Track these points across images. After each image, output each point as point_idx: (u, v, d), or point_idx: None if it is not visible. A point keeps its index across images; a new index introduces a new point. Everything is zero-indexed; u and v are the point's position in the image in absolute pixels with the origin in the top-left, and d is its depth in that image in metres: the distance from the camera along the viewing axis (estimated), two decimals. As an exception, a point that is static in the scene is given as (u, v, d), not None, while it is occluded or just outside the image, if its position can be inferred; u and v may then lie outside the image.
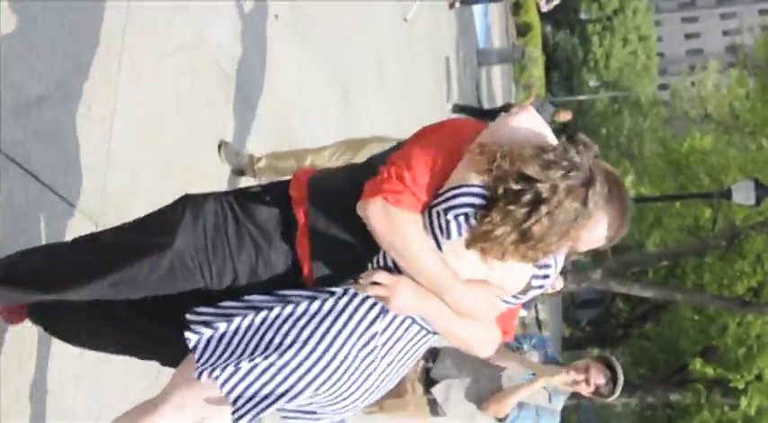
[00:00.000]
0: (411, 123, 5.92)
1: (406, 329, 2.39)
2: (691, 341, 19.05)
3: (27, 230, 3.34)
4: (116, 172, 4.00)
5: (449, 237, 2.26)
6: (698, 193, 18.65)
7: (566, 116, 10.83)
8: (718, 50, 67.40)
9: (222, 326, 2.37)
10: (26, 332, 3.23)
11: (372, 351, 2.36)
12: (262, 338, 2.35)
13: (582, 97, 54.59)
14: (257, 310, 2.39)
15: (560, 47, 61.99)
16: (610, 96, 55.84)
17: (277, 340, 2.33)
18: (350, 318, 2.34)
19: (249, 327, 2.37)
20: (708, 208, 18.88)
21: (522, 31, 37.72)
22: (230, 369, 2.32)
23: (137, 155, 4.23)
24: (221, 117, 5.35)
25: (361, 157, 4.98)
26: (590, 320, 28.85)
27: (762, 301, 16.58)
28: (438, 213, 2.28)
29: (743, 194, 14.50)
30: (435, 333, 2.44)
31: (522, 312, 6.73)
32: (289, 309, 2.36)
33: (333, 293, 2.38)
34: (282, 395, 2.35)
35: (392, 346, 2.39)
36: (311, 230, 2.45)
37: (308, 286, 2.47)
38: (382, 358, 2.39)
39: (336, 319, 2.34)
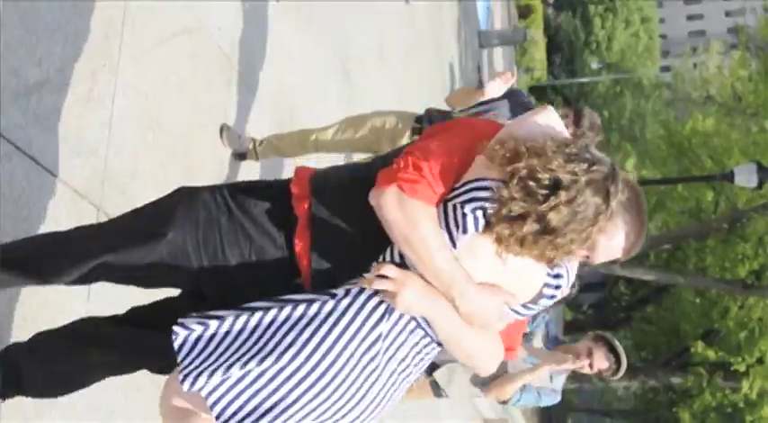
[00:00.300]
0: (413, 106, 5.90)
1: (411, 333, 2.25)
2: (692, 324, 19.07)
3: (29, 215, 3.34)
4: (117, 156, 4.00)
5: (465, 231, 2.17)
6: (700, 175, 18.59)
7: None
8: (720, 32, 67.12)
9: (213, 324, 2.23)
10: (28, 325, 3.24)
11: (375, 356, 2.21)
12: (256, 343, 2.20)
13: (584, 79, 54.46)
14: (252, 311, 2.25)
15: (562, 29, 61.79)
16: (612, 78, 55.71)
17: (272, 344, 2.19)
18: (351, 320, 2.20)
19: (243, 329, 2.23)
20: (710, 191, 18.85)
21: (524, 13, 37.64)
22: (218, 377, 2.16)
23: (138, 138, 4.22)
24: (222, 100, 5.34)
25: (363, 133, 4.97)
26: (591, 304, 28.85)
27: (764, 283, 16.57)
28: (454, 206, 2.19)
29: (745, 177, 14.46)
30: (440, 344, 2.31)
31: None
32: (286, 311, 2.22)
33: (333, 296, 2.24)
34: (274, 407, 2.18)
35: (395, 353, 2.25)
36: (313, 224, 2.38)
37: (305, 286, 2.39)
38: (385, 365, 2.24)
39: (337, 321, 2.19)
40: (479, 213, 2.15)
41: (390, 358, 2.25)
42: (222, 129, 5.22)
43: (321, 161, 5.19)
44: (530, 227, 2.09)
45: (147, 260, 2.46)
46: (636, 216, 2.29)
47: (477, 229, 2.16)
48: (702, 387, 17.53)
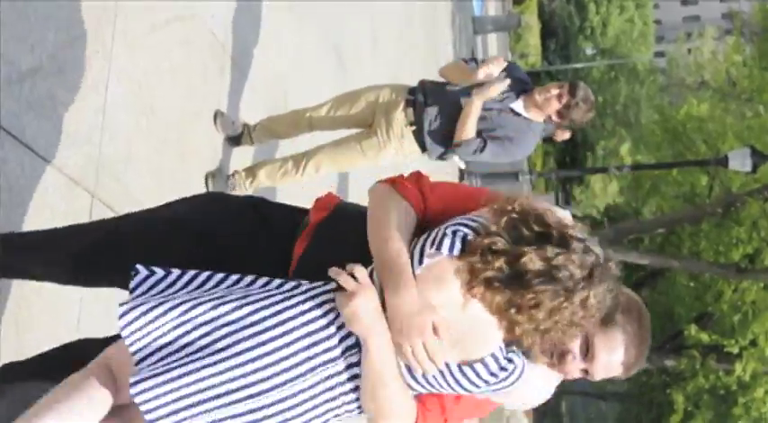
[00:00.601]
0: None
1: (349, 350, 2.10)
2: (686, 308, 19.14)
3: (23, 202, 3.35)
4: (111, 142, 4.01)
5: (438, 248, 2.04)
6: (694, 160, 18.60)
7: (564, 135, 10.96)
8: (715, 17, 67.02)
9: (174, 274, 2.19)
10: (27, 293, 3.25)
11: (313, 358, 2.08)
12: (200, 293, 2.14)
13: (578, 65, 54.37)
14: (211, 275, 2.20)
15: (556, 14, 61.65)
16: (606, 64, 55.63)
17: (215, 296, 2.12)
18: (304, 311, 2.09)
19: (192, 280, 2.18)
20: (704, 175, 18.88)
21: (519, -2, 37.58)
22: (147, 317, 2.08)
23: (132, 125, 4.23)
24: (216, 87, 5.34)
25: (358, 108, 4.98)
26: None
27: (757, 267, 16.62)
28: (438, 229, 2.11)
29: (739, 161, 14.50)
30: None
31: None
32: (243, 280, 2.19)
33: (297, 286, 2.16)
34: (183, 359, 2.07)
35: (331, 362, 2.10)
36: (318, 232, 2.35)
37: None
38: (312, 371, 2.09)
39: (285, 308, 2.09)
40: (459, 237, 2.05)
41: (326, 364, 2.10)
42: (216, 115, 5.22)
43: (315, 140, 5.21)
44: (500, 264, 1.97)
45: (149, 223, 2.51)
46: (637, 330, 2.20)
47: (451, 251, 2.03)
48: (696, 369, 17.60)
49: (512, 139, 4.87)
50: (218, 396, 2.06)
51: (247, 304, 2.09)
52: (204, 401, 2.06)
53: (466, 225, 2.08)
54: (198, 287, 2.19)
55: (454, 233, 2.06)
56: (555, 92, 4.81)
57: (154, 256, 2.32)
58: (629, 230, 18.09)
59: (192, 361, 2.06)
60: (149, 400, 2.05)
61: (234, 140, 5.33)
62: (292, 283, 2.17)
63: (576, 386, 31.40)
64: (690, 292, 19.09)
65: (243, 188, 5.13)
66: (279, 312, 2.09)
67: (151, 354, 2.10)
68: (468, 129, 4.73)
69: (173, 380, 2.05)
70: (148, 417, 2.06)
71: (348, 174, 7.51)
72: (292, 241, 2.35)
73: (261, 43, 6.10)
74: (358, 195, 8.06)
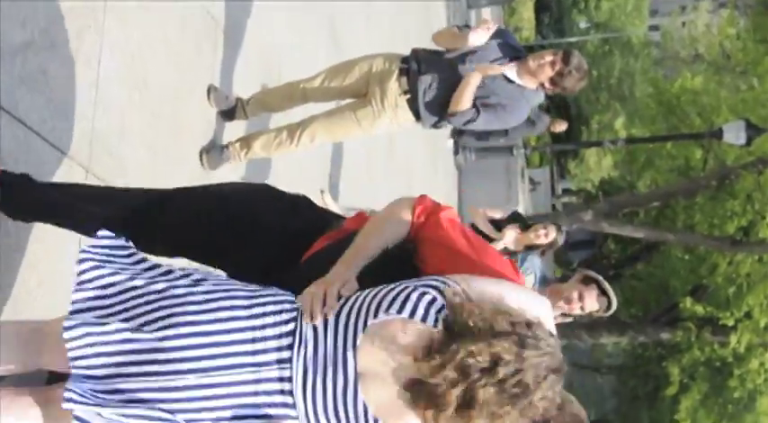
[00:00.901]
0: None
1: (279, 364, 2.10)
2: (681, 280, 19.18)
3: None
4: (104, 116, 3.99)
5: (400, 311, 2.07)
6: (689, 133, 18.62)
7: (561, 126, 11.01)
8: (709, -10, 66.77)
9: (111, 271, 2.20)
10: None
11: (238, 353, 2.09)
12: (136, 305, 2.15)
13: (572, 39, 54.15)
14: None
15: (551, -12, 61.37)
16: (600, 38, 55.45)
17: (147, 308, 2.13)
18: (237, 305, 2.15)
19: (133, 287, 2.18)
20: (699, 148, 18.89)
21: (512, -28, 37.35)
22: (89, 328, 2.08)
23: (125, 99, 4.21)
24: (209, 60, 5.31)
25: (352, 78, 4.96)
26: (581, 261, 28.97)
27: (752, 240, 16.66)
28: (403, 289, 2.13)
29: (734, 134, 14.52)
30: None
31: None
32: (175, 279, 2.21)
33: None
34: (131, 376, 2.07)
35: (258, 366, 2.10)
36: (343, 241, 2.50)
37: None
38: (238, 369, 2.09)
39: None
40: (424, 303, 2.07)
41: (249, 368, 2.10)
42: (209, 89, 5.20)
43: (309, 112, 5.18)
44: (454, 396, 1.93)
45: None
46: None
47: (411, 316, 2.05)
48: (691, 342, 17.65)
49: (504, 107, 4.86)
50: (140, 363, 2.07)
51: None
52: (126, 364, 2.07)
53: (437, 288, 2.11)
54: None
55: (421, 296, 2.08)
56: (549, 59, 4.80)
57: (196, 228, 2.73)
58: (624, 204, 18.11)
59: (126, 320, 2.11)
60: (77, 348, 2.07)
61: (227, 114, 5.30)
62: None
63: (572, 359, 31.56)
64: (685, 264, 19.13)
65: (237, 159, 5.12)
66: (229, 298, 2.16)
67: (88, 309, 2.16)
68: (464, 100, 4.73)
69: (105, 333, 2.07)
70: (72, 363, 2.07)
71: (342, 143, 7.51)
72: (318, 235, 2.61)
73: (253, 16, 6.06)
74: (351, 164, 8.06)
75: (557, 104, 35.14)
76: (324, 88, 5.03)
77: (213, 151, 5.07)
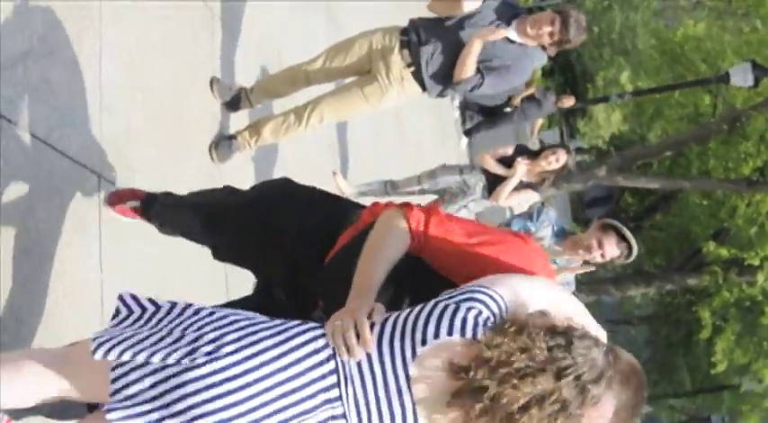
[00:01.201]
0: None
1: (327, 403, 2.03)
2: (702, 226, 19.10)
3: (31, 190, 3.34)
4: (110, 120, 3.99)
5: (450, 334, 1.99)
6: (695, 80, 18.46)
7: (569, 102, 11.06)
8: (702, -67, 66.11)
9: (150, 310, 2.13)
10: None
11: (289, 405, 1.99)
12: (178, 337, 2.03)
13: (570, -4, 53.83)
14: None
15: (543, -53, 60.94)
16: (598, -8, 55.03)
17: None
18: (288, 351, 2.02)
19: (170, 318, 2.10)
20: (707, 94, 18.74)
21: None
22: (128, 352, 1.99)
23: (128, 100, 4.21)
24: (208, 53, 5.30)
25: (353, 57, 4.94)
26: (600, 217, 28.99)
27: (768, 179, 16.58)
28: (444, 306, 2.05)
29: (741, 77, 14.39)
30: None
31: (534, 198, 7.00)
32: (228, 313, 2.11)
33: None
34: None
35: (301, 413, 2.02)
36: (362, 232, 2.45)
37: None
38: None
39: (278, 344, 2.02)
40: (472, 316, 2.01)
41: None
42: (212, 82, 5.19)
43: (313, 95, 5.16)
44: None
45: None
46: (632, 397, 2.12)
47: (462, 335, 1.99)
48: (719, 284, 17.57)
49: (509, 68, 4.82)
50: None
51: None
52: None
53: (483, 303, 2.04)
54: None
55: (468, 310, 2.01)
56: (547, 29, 4.76)
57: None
58: (637, 156, 17.99)
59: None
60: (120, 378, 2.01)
61: (232, 105, 5.29)
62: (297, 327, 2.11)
63: (602, 314, 31.54)
64: (704, 210, 19.05)
65: (247, 147, 5.12)
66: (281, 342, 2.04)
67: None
68: (467, 68, 4.71)
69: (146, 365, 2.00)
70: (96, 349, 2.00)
71: (348, 123, 7.49)
72: (337, 229, 2.63)
73: (248, 3, 6.04)
74: (359, 143, 8.04)
75: (561, 65, 34.85)
76: (326, 69, 5.00)
77: (222, 144, 5.06)
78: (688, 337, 22.21)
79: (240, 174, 5.27)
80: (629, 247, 4.69)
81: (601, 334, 2.13)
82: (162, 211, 3.53)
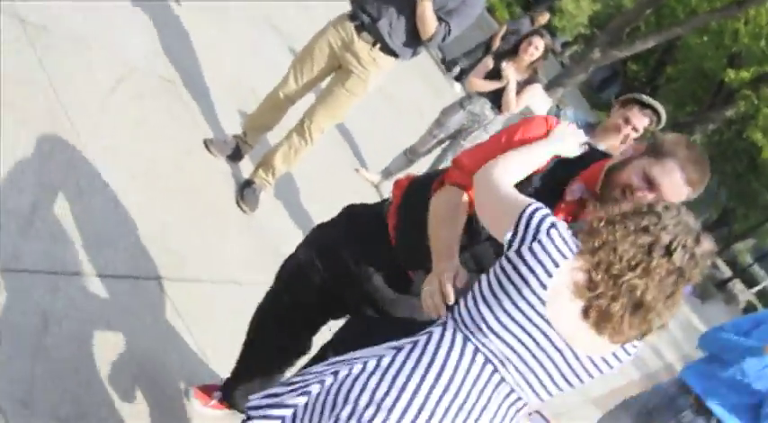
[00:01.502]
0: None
1: (496, 387, 2.09)
2: (713, 60, 18.89)
3: (108, 324, 3.38)
4: (140, 224, 4.01)
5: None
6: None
7: (543, 18, 11.11)
8: None
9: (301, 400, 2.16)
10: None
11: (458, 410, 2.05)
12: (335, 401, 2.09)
13: None
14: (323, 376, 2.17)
15: None
16: None
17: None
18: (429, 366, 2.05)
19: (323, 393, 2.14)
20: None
21: None
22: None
23: (143, 201, 4.19)
24: (187, 119, 5.31)
25: (320, 62, 4.94)
26: (616, 95, 28.67)
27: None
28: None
29: None
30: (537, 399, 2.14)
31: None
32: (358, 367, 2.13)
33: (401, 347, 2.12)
34: None
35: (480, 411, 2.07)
36: (401, 205, 2.77)
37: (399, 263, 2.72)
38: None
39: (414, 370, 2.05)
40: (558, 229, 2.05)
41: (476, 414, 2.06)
42: (206, 144, 5.21)
43: (299, 111, 5.15)
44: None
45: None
46: (688, 153, 2.31)
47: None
48: (755, 104, 17.40)
49: (465, 2, 4.75)
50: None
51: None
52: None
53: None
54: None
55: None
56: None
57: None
58: (621, 26, 17.81)
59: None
60: None
61: (235, 156, 5.31)
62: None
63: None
64: (707, 46, 18.83)
65: (267, 185, 5.16)
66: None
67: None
68: (429, 24, 4.67)
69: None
70: None
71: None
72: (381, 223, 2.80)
73: (201, 58, 6.05)
74: (361, 131, 8.03)
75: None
76: (301, 85, 5.01)
77: (245, 193, 5.09)
78: (752, 163, 22.05)
79: (272, 209, 5.36)
80: (656, 111, 4.62)
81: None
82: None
